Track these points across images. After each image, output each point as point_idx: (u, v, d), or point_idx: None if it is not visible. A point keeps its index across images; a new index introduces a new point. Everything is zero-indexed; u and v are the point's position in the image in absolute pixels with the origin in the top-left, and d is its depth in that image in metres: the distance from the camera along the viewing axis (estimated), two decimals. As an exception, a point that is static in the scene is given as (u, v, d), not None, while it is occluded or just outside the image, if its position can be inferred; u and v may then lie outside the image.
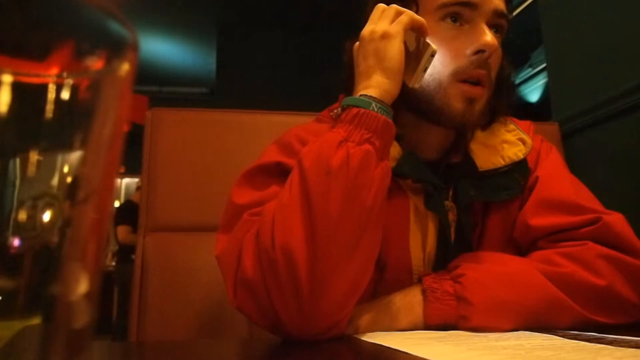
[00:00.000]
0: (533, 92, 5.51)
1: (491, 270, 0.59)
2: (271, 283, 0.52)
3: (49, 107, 0.17)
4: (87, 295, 0.18)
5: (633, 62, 1.20)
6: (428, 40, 0.61)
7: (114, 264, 4.23)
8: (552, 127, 1.25)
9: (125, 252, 3.94)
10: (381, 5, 0.63)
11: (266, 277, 0.52)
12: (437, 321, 0.57)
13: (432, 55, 0.61)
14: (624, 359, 0.35)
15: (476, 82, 0.64)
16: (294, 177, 0.55)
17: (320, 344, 0.53)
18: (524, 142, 0.71)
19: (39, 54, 0.17)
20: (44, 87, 0.17)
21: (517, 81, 5.68)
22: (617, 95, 1.22)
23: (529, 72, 5.43)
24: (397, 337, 0.51)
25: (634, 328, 0.58)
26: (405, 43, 0.61)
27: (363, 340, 0.52)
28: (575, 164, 1.26)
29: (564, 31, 1.48)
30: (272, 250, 0.52)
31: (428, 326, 0.57)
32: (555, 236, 0.65)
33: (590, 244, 0.61)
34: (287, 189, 0.55)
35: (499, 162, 0.69)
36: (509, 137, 0.72)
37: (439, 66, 0.63)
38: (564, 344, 0.43)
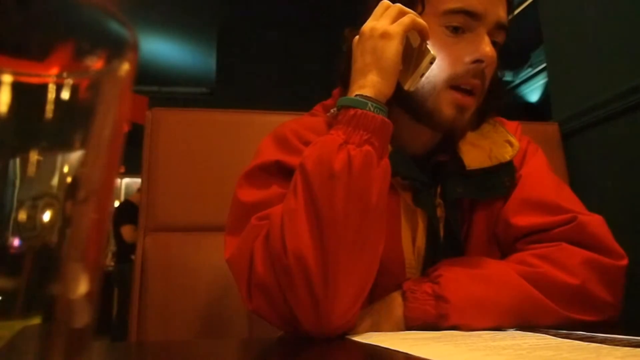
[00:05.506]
0: (533, 92, 5.51)
1: (468, 271, 0.60)
2: (286, 288, 0.53)
3: (49, 107, 0.17)
4: (87, 295, 0.18)
5: (633, 62, 1.20)
6: (429, 45, 0.61)
7: (113, 264, 4.23)
8: (552, 127, 1.26)
9: (125, 252, 3.94)
10: (385, 2, 0.63)
11: (281, 282, 0.53)
12: (418, 321, 0.57)
13: (431, 62, 0.61)
14: (624, 359, 0.35)
15: (469, 91, 0.65)
16: (297, 182, 0.56)
17: (320, 345, 0.53)
18: (511, 144, 0.72)
19: (39, 54, 0.17)
20: (44, 87, 0.17)
21: (517, 81, 5.68)
22: (617, 95, 1.22)
23: (529, 72, 5.42)
24: (393, 338, 0.51)
25: (619, 327, 0.60)
26: (408, 40, 0.61)
27: (363, 342, 0.53)
28: (575, 164, 1.26)
29: (564, 31, 1.48)
30: (284, 256, 0.52)
31: (409, 327, 0.58)
32: (531, 237, 0.66)
33: (564, 244, 0.63)
34: (292, 193, 0.56)
35: (486, 162, 0.70)
36: (497, 138, 0.73)
37: (435, 70, 0.63)
38: (560, 344, 0.43)
